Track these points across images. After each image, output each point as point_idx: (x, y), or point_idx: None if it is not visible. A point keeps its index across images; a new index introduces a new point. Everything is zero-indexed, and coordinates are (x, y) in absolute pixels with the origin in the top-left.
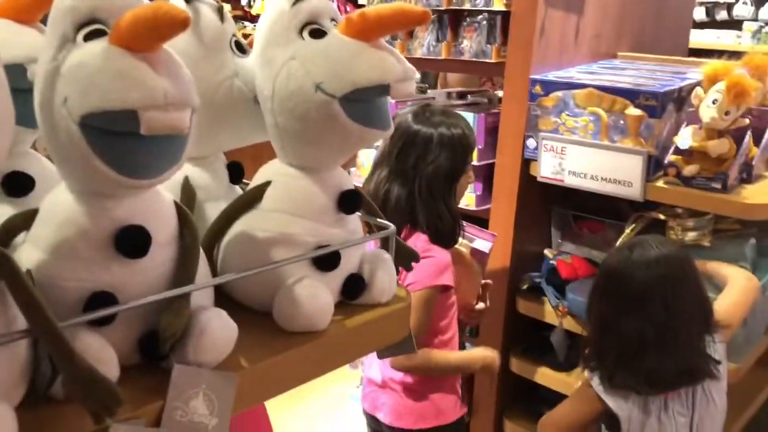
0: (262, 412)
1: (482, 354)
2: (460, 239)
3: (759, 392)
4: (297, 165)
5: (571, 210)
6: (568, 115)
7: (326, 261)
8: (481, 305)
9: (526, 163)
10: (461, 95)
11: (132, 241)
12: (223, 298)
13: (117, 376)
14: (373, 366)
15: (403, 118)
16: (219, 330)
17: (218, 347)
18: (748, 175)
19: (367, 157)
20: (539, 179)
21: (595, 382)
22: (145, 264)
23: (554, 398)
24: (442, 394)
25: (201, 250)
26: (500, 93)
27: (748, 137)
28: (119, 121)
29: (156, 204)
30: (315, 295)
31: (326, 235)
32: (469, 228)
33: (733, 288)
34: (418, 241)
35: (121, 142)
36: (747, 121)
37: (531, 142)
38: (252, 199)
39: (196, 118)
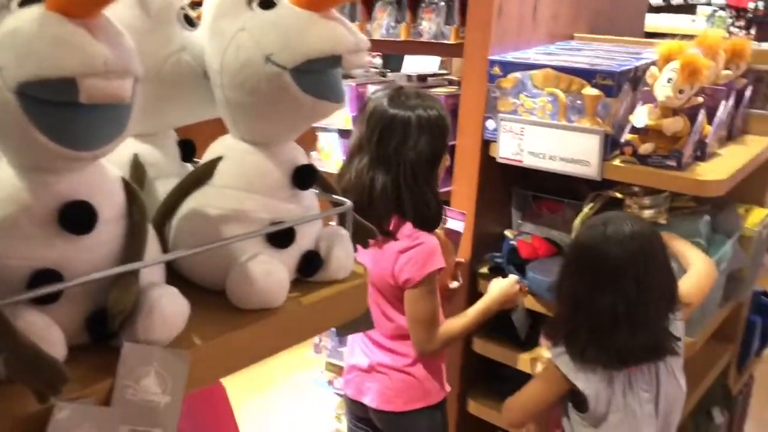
0: (223, 398)
1: (492, 295)
2: None
3: (713, 365)
4: (249, 140)
5: (530, 190)
6: (526, 95)
7: (281, 237)
8: (455, 284)
9: (486, 144)
10: (421, 78)
11: (77, 217)
12: (176, 277)
13: (64, 355)
14: (357, 352)
15: (377, 102)
16: (170, 307)
17: (169, 324)
18: (702, 153)
19: (327, 141)
20: (499, 160)
21: (561, 362)
22: (91, 241)
23: (516, 376)
24: (430, 376)
25: (151, 228)
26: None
27: (701, 115)
28: (57, 89)
29: (101, 179)
30: (269, 272)
31: (281, 211)
32: None
33: (696, 270)
34: (405, 230)
35: (60, 111)
36: (700, 99)
37: (490, 124)
38: (203, 175)
39: (140, 89)
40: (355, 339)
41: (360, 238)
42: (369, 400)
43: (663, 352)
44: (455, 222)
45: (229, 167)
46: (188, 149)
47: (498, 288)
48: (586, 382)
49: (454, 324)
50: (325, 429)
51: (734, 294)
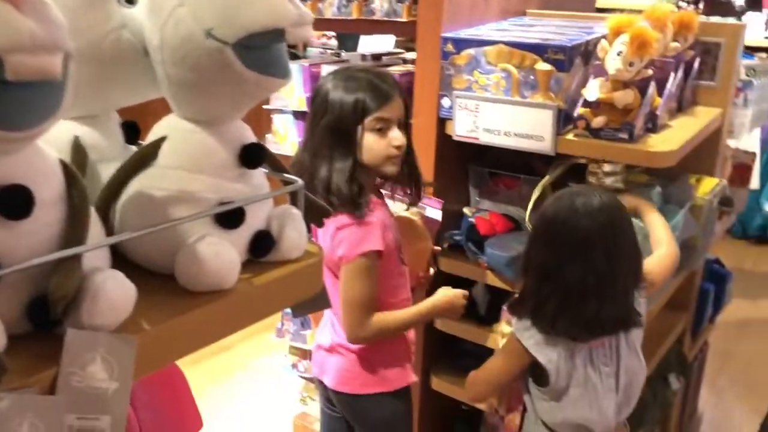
0: (184, 386)
1: (435, 302)
2: (413, 208)
3: (669, 333)
4: (193, 119)
5: (487, 167)
6: (480, 72)
7: (229, 218)
8: (431, 272)
9: (442, 122)
10: (376, 57)
11: (13, 202)
12: (123, 261)
13: (3, 345)
14: (324, 331)
15: (322, 82)
16: (115, 291)
17: (115, 309)
18: (653, 125)
19: (282, 123)
20: (455, 138)
21: (524, 336)
22: (30, 226)
23: (477, 351)
24: (389, 362)
25: (93, 211)
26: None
27: (651, 88)
28: None
29: (38, 162)
30: (218, 253)
31: (228, 191)
32: None
33: (661, 253)
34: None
35: None
36: (650, 72)
37: (446, 101)
38: (147, 155)
39: (74, 67)
40: (327, 317)
41: (313, 216)
42: (327, 380)
43: (629, 324)
44: (432, 210)
45: (174, 147)
46: (132, 131)
47: (443, 296)
48: (548, 356)
49: (391, 316)
50: (290, 412)
51: (687, 263)
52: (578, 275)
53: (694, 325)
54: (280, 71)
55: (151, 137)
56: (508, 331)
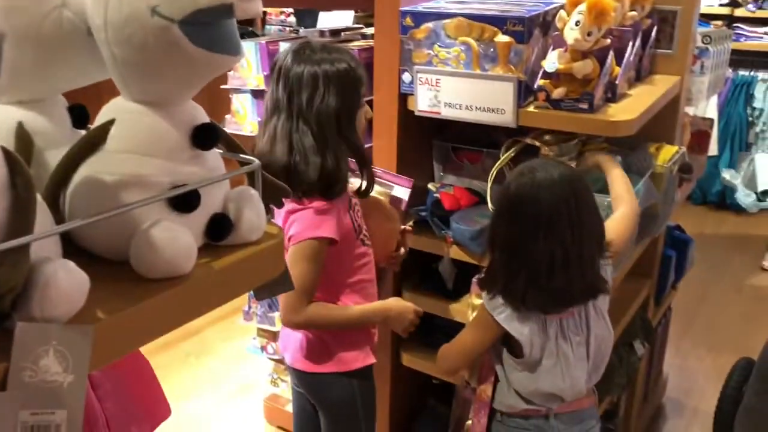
0: (149, 375)
1: (384, 307)
2: (378, 187)
3: (633, 300)
4: (142, 100)
5: (450, 142)
6: (440, 46)
7: (184, 201)
8: (401, 251)
9: (403, 97)
10: (334, 33)
11: None
12: (76, 251)
13: None
14: None
15: (283, 59)
16: (66, 281)
17: (67, 300)
18: (612, 94)
19: (241, 103)
20: (417, 113)
21: (496, 311)
22: None
23: (446, 326)
24: (346, 345)
25: (40, 200)
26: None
27: (610, 57)
28: None
29: None
30: (174, 237)
31: (182, 174)
32: (384, 174)
33: (620, 214)
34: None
35: None
36: (608, 41)
37: (406, 77)
38: (95, 140)
39: (11, 48)
40: None
41: (271, 197)
42: (287, 357)
43: (597, 292)
44: (401, 189)
45: (123, 131)
46: (80, 115)
47: (396, 306)
48: (520, 330)
49: (326, 310)
50: (261, 395)
51: (649, 230)
52: (545, 250)
53: (658, 291)
54: (231, 48)
55: (98, 121)
56: (478, 303)
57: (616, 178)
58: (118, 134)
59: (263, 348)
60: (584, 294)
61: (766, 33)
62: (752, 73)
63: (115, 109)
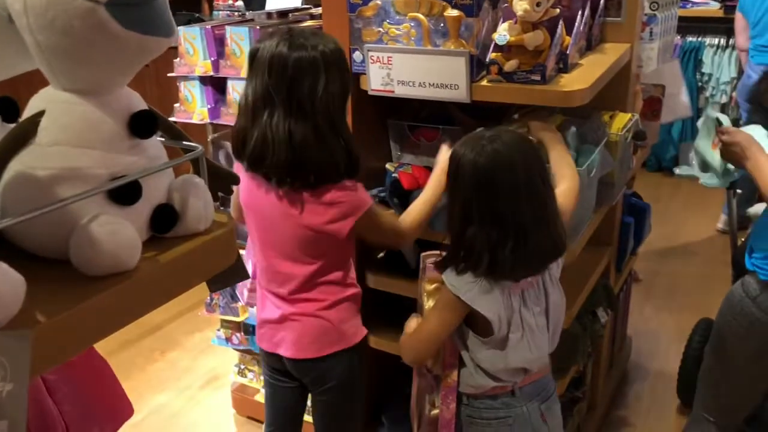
0: (109, 377)
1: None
2: None
3: (594, 268)
4: (73, 89)
5: (406, 121)
6: (389, 23)
7: (124, 193)
8: None
9: (356, 77)
10: (282, 14)
11: None
12: (12, 251)
13: None
14: (267, 307)
15: (274, 49)
16: None
17: (1, 304)
18: (564, 65)
19: (189, 90)
20: (370, 92)
21: (461, 290)
22: None
23: (411, 306)
24: (345, 318)
25: None
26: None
27: (560, 27)
28: None
29: None
30: (116, 231)
31: (121, 165)
32: None
33: (564, 189)
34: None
35: None
36: (558, 11)
37: (357, 55)
38: (24, 133)
39: None
40: (264, 294)
41: (219, 184)
42: (284, 350)
43: (563, 249)
44: None
45: (54, 122)
46: (9, 108)
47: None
48: (489, 306)
49: (413, 207)
50: (229, 386)
51: (606, 198)
52: (528, 211)
53: (618, 259)
54: (163, 29)
55: (27, 113)
56: (431, 287)
57: (558, 154)
58: (49, 126)
59: (228, 339)
60: (553, 253)
61: None
62: (700, 39)
63: (45, 100)
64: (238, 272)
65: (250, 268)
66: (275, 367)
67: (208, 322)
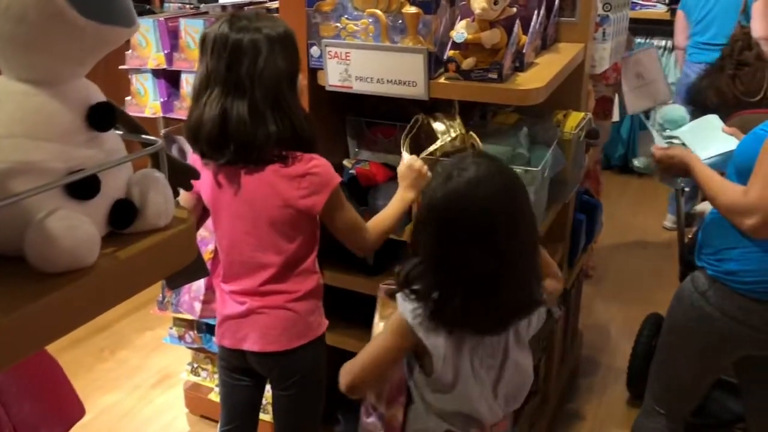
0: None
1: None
2: None
3: None
4: (28, 79)
5: (364, 117)
6: (347, 18)
7: (82, 188)
8: None
9: (313, 72)
10: (237, 8)
11: None
12: None
13: None
14: (227, 303)
15: (217, 31)
16: None
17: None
18: (520, 63)
19: (141, 83)
20: (328, 88)
21: (410, 315)
22: None
23: (368, 302)
24: (310, 311)
25: None
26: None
27: (516, 26)
28: None
29: None
30: (73, 227)
31: (78, 159)
32: None
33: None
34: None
35: None
36: (514, 10)
37: (315, 51)
38: None
39: None
40: (223, 293)
41: (179, 179)
42: (249, 345)
43: (532, 309)
44: None
45: (7, 113)
46: None
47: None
48: (435, 341)
49: (378, 219)
50: (181, 385)
51: (560, 195)
52: (474, 265)
53: (570, 255)
54: (123, 18)
55: None
56: (386, 312)
57: None
58: (2, 118)
59: (181, 337)
60: (519, 313)
61: (658, 1)
62: (647, 41)
63: None
64: (197, 269)
65: None
66: (235, 365)
67: (160, 320)
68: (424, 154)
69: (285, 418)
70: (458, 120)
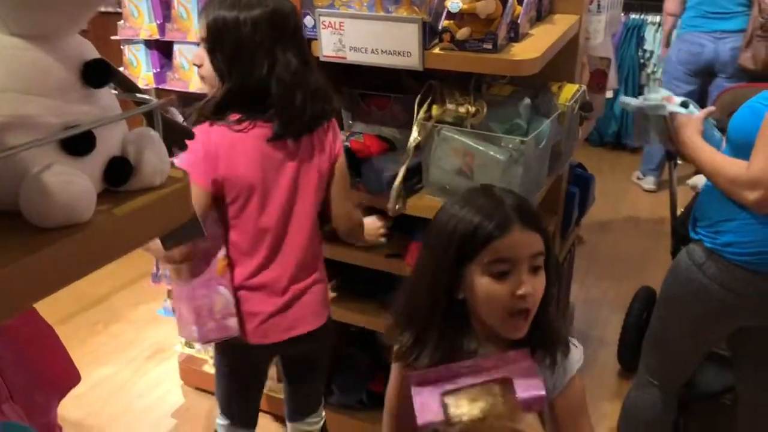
0: (56, 343)
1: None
2: None
3: None
4: (21, 34)
5: (358, 89)
6: None
7: (78, 143)
8: None
9: (308, 42)
10: None
11: None
12: None
13: None
14: (263, 299)
15: (215, 14)
16: None
17: None
18: (515, 34)
19: (134, 55)
20: (322, 59)
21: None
22: None
23: (364, 275)
24: (324, 279)
25: None
26: None
27: None
28: None
29: None
30: (69, 182)
31: (73, 114)
32: None
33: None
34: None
35: None
36: None
37: (308, 20)
38: None
39: None
40: (253, 290)
41: (174, 139)
42: (302, 328)
43: None
44: None
45: (2, 68)
46: None
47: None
48: None
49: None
50: (175, 357)
51: (554, 167)
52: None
53: (563, 227)
54: None
55: None
56: None
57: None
58: None
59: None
60: None
61: None
62: (642, 17)
63: None
64: (193, 229)
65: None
66: (265, 360)
67: (153, 294)
68: (420, 117)
69: (308, 388)
70: (471, 94)
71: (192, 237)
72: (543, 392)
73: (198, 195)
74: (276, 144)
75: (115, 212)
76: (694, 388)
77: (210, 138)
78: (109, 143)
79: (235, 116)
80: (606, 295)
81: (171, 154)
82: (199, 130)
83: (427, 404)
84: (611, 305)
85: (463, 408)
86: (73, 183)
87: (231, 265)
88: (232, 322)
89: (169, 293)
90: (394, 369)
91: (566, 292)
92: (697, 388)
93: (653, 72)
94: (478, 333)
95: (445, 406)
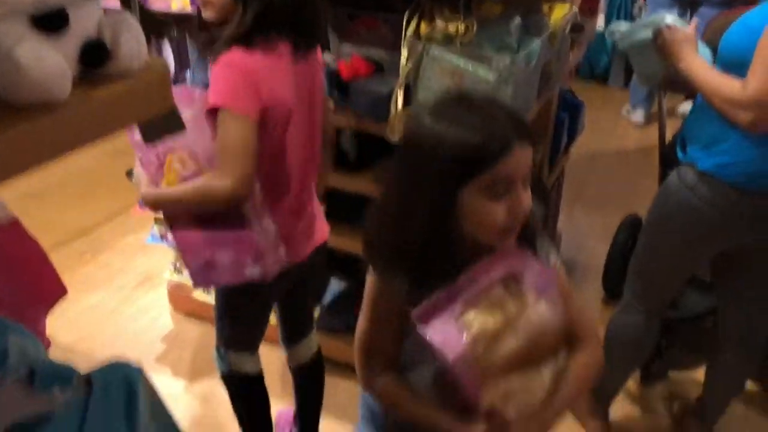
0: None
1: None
2: None
3: None
4: None
5: (346, 8)
6: None
7: (50, 19)
8: None
9: None
10: None
11: None
12: None
13: None
14: (289, 221)
15: None
16: None
17: None
18: None
19: None
20: None
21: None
22: None
23: (351, 199)
24: None
25: None
26: None
27: None
28: None
29: None
30: (41, 57)
31: None
32: None
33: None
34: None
35: None
36: None
37: None
38: None
39: None
40: (279, 213)
41: (151, 26)
42: (317, 239)
43: None
44: None
45: None
46: None
47: None
48: None
49: None
50: (164, 285)
51: (545, 89)
52: None
53: (551, 155)
54: None
55: None
56: None
57: None
58: None
59: (164, 236)
60: None
61: None
62: None
63: None
64: (172, 123)
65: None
66: (285, 283)
67: (141, 224)
68: (409, 35)
69: (302, 310)
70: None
71: (172, 130)
72: (549, 269)
73: (246, 127)
74: (298, 62)
75: (93, 95)
76: (676, 311)
77: (247, 65)
78: (83, 23)
79: (260, 38)
80: (593, 225)
81: (149, 40)
82: (231, 58)
83: (449, 337)
84: (597, 234)
85: (485, 317)
86: (46, 59)
87: (267, 193)
88: (282, 250)
89: (157, 220)
90: (373, 304)
91: (554, 220)
92: (680, 311)
93: (645, 3)
94: (464, 250)
95: (468, 327)
